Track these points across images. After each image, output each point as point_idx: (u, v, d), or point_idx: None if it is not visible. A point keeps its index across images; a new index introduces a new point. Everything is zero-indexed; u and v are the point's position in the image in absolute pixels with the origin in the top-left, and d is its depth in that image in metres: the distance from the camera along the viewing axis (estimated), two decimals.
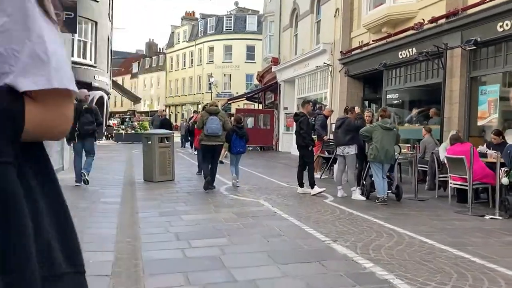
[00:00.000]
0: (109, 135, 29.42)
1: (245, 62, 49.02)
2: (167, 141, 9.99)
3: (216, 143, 8.57)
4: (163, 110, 23.23)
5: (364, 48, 14.64)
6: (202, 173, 9.20)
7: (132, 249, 4.51)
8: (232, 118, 14.48)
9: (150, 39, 71.50)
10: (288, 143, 22.18)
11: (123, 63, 75.62)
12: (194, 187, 9.02)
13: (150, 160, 9.66)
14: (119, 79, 64.22)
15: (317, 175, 10.81)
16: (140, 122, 30.70)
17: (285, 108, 22.70)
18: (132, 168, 12.42)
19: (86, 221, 5.64)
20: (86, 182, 8.43)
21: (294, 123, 8.77)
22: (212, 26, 51.73)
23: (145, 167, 9.90)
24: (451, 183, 7.73)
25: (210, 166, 8.67)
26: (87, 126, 8.17)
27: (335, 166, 9.41)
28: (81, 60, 24.83)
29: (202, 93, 52.40)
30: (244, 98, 30.59)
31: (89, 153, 8.62)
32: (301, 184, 8.45)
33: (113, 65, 73.07)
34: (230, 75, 50.23)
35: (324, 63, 16.73)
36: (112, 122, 31.99)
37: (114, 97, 66.31)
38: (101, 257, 4.17)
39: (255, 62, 47.71)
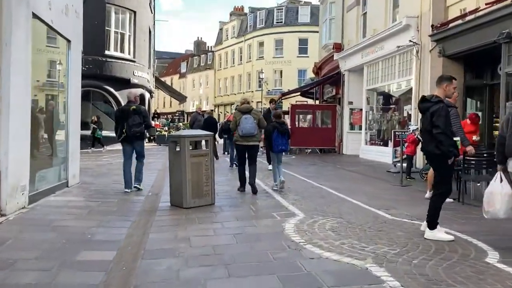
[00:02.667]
0: (151, 137, 26.99)
1: (297, 56, 45.50)
2: (205, 146, 6.81)
3: (253, 143, 7.93)
4: (203, 108, 20.30)
5: (469, 17, 10.82)
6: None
7: None
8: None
9: (198, 38, 69.76)
10: (354, 144, 18.59)
11: (171, 63, 74.55)
12: (244, 220, 5.76)
13: (178, 175, 6.54)
14: (167, 80, 62.85)
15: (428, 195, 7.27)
16: (186, 123, 28.10)
17: (350, 103, 19.08)
18: (163, 181, 9.39)
19: None
20: (139, 190, 8.04)
21: (419, 116, 5.29)
22: (261, 19, 48.62)
23: (172, 186, 6.78)
24: None
25: (249, 168, 7.97)
26: (134, 128, 7.66)
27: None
28: (118, 54, 22.45)
29: (252, 91, 49.41)
30: (299, 94, 27.07)
31: (140, 156, 8.05)
32: (433, 223, 4.87)
33: (161, 66, 72.34)
34: (281, 71, 46.87)
35: (410, 41, 12.99)
36: (155, 123, 29.55)
37: (163, 98, 65.20)
38: None
39: (308, 56, 44.20)
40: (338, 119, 19.85)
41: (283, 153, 8.45)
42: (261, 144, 9.13)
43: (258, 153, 8.66)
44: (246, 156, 7.98)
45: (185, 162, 6.39)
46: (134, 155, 8.05)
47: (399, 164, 12.08)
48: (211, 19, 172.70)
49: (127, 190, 7.79)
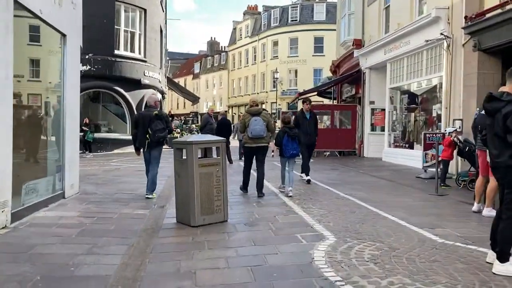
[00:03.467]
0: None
1: (313, 55, 44.40)
2: (217, 154, 5.86)
3: (262, 144, 7.93)
4: (216, 109, 19.33)
5: (510, 6, 9.70)
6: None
7: None
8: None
9: (212, 38, 68.96)
10: (376, 146, 17.49)
11: (184, 64, 74.00)
12: (263, 244, 4.78)
13: (185, 188, 5.60)
14: (181, 80, 62.22)
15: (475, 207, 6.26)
16: (198, 124, 27.26)
17: (372, 103, 17.99)
18: (172, 190, 8.47)
19: None
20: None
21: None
22: (276, 18, 47.61)
23: (178, 200, 5.84)
24: None
25: (257, 171, 7.97)
26: (158, 133, 7.49)
27: None
28: (128, 53, 21.64)
29: (266, 92, 48.49)
30: (315, 93, 25.99)
31: (155, 160, 7.76)
32: (505, 254, 3.81)
33: (175, 67, 71.81)
34: (296, 70, 45.78)
35: (441, 34, 11.86)
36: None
37: (176, 99, 64.61)
38: None
39: (324, 55, 43.13)
40: (359, 119, 18.76)
41: (295, 157, 8.36)
42: (272, 148, 9.11)
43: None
44: (254, 159, 8.04)
45: (193, 173, 5.45)
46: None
47: (430, 169, 11.01)
48: (225, 20, 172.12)
49: (148, 196, 7.68)
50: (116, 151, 21.26)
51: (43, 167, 6.81)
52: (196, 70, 66.77)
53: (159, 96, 23.64)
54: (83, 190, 8.38)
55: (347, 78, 20.50)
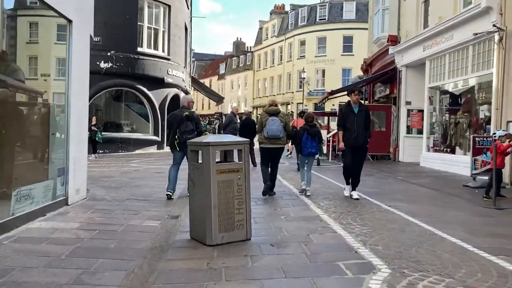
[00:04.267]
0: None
1: (341, 55, 42.98)
2: (238, 158, 4.87)
3: (278, 146, 7.87)
4: (241, 110, 18.37)
5: None
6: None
7: None
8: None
9: (238, 38, 68.32)
10: (412, 150, 16.23)
11: (210, 64, 73.62)
12: (296, 276, 3.76)
13: (200, 198, 4.64)
14: (206, 81, 61.71)
15: None
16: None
17: (408, 103, 16.71)
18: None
19: None
20: (170, 198, 7.47)
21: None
22: (303, 17, 46.44)
23: (192, 213, 4.89)
24: None
25: (270, 170, 7.93)
26: (187, 135, 7.38)
27: None
28: (151, 51, 20.97)
29: (292, 92, 47.37)
30: (345, 93, 24.72)
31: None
32: None
33: (200, 67, 71.47)
34: (324, 70, 44.45)
35: (494, 25, 10.57)
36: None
37: (201, 99, 64.16)
38: None
39: (353, 55, 41.71)
40: (394, 121, 17.50)
41: (314, 156, 8.31)
42: (288, 148, 8.89)
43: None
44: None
45: (210, 180, 4.49)
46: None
47: (479, 178, 9.77)
48: (251, 20, 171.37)
49: (168, 192, 7.54)
50: (137, 151, 20.60)
51: (41, 170, 5.99)
52: (222, 71, 66.22)
53: (176, 91, 22.91)
54: (92, 195, 7.56)
55: (380, 77, 19.24)
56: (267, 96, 52.89)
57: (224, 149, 4.86)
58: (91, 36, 7.32)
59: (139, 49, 20.36)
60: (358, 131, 7.47)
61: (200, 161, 4.71)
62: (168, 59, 21.82)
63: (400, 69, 17.06)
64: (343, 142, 7.65)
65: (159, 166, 14.29)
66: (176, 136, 7.44)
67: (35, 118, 6.04)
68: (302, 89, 43.40)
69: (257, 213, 6.04)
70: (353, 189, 7.81)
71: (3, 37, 5.47)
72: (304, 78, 39.07)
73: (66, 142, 6.39)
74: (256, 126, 12.65)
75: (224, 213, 4.56)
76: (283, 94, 49.17)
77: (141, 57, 20.32)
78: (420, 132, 16.33)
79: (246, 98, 58.16)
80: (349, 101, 7.96)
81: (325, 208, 6.66)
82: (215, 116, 55.64)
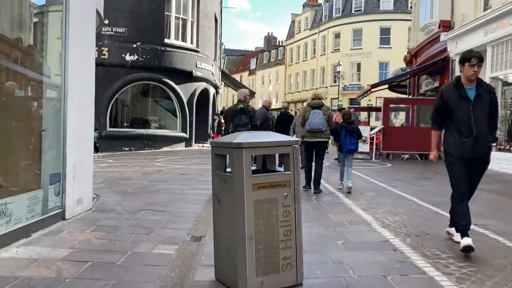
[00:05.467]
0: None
1: (379, 47, 40.80)
2: (284, 166, 3.36)
3: (321, 139, 7.61)
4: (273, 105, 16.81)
5: None
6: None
7: None
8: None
9: (269, 33, 66.78)
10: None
11: (241, 60, 72.39)
12: None
13: (229, 226, 3.21)
14: (236, 77, 60.46)
15: None
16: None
17: None
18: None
19: None
20: None
21: None
22: (338, 8, 44.42)
23: (218, 248, 3.44)
24: None
25: (314, 167, 7.71)
26: (240, 128, 7.25)
27: None
28: (179, 42, 19.77)
29: (326, 87, 45.45)
30: (386, 87, 22.81)
31: None
32: None
33: (230, 63, 70.33)
34: (359, 64, 42.34)
35: None
36: (222, 121, 26.62)
37: (231, 95, 62.98)
38: None
39: (390, 47, 39.63)
40: None
41: (353, 153, 8.18)
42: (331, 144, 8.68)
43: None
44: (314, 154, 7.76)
45: (243, 199, 3.04)
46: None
47: None
48: (281, 16, 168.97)
49: None
50: (164, 148, 19.47)
51: (27, 178, 4.71)
52: (252, 66, 64.87)
53: (205, 85, 21.62)
54: (100, 205, 6.27)
55: (430, 67, 17.28)
56: (299, 92, 51.21)
57: (263, 152, 3.40)
58: (97, 11, 6.00)
59: (166, 40, 19.18)
60: (478, 131, 4.18)
61: (228, 169, 3.27)
62: (197, 51, 20.57)
63: (453, 58, 15.17)
64: (444, 148, 4.39)
65: (185, 166, 13.02)
66: (230, 130, 7.34)
67: (17, 114, 4.74)
68: (337, 84, 41.50)
69: (306, 237, 4.57)
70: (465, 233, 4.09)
71: (32, 32, 5.31)
72: (340, 71, 37.13)
73: (63, 143, 5.09)
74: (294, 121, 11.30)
75: (264, 248, 3.10)
76: (317, 89, 47.20)
77: (168, 49, 19.13)
78: None
79: (278, 94, 56.58)
80: (457, 77, 4.42)
81: (393, 228, 5.11)
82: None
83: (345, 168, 8.05)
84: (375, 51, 40.77)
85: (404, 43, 40.51)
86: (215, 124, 23.12)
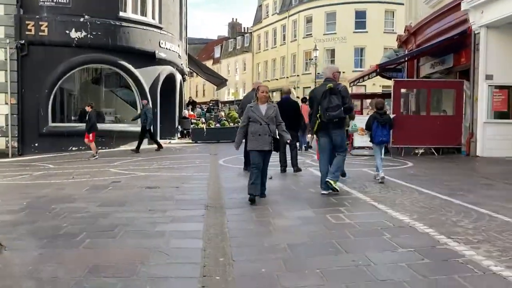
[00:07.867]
0: (184, 132, 20.91)
1: (354, 32, 38.46)
2: None
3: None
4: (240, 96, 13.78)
5: None
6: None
7: None
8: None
9: (233, 19, 63.46)
10: (498, 141, 11.97)
11: (203, 48, 68.56)
12: None
13: None
14: None
15: None
16: (229, 113, 21.79)
17: (489, 77, 12.26)
18: (219, 241, 3.13)
19: None
20: (335, 189, 6.41)
21: None
22: None
23: None
24: None
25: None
26: (330, 111, 6.32)
27: None
28: (137, 17, 16.24)
29: (298, 75, 42.77)
30: (374, 73, 20.01)
31: (340, 148, 6.63)
32: None
33: (192, 52, 66.50)
34: (333, 50, 39.83)
35: None
36: (189, 113, 23.27)
37: (195, 85, 59.30)
38: None
39: (366, 31, 37.54)
40: (467, 102, 13.03)
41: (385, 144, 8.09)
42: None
43: None
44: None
45: None
46: None
47: None
48: (243, 3, 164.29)
49: (324, 192, 6.46)
50: (122, 147, 15.98)
51: None
52: (217, 55, 61.37)
53: (171, 69, 18.24)
54: None
55: (447, 42, 14.36)
56: (269, 81, 48.25)
57: None
58: None
59: (121, 14, 15.63)
60: None
61: None
62: (160, 28, 17.11)
63: (476, 31, 12.55)
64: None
65: (151, 172, 9.70)
66: (318, 115, 6.40)
67: None
68: (309, 72, 38.84)
69: None
70: None
71: None
72: (316, 57, 34.37)
73: None
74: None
75: None
76: (287, 77, 44.52)
77: (124, 24, 15.58)
78: (505, 116, 12.06)
79: (245, 83, 53.42)
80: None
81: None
82: (211, 105, 50.43)
83: (379, 158, 7.78)
84: (350, 36, 38.38)
85: (381, 26, 38.44)
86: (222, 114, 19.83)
